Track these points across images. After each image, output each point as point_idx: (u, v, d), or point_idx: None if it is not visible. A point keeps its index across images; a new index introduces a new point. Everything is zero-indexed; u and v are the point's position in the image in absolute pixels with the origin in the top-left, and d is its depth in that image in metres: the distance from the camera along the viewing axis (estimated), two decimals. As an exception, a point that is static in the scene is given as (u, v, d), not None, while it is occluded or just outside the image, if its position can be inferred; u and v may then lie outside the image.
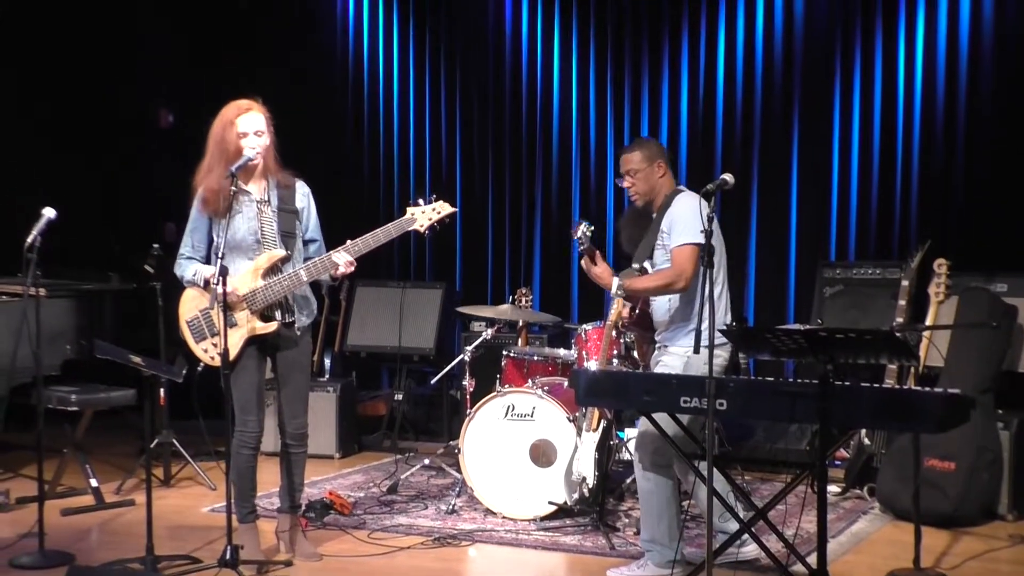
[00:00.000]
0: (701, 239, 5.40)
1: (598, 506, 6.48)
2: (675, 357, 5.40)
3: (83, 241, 8.90)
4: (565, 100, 9.63)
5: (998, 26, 8.05)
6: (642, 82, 9.30)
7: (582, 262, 5.68)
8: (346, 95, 10.38)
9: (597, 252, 5.65)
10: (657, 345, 5.73)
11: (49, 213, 5.76)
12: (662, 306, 5.62)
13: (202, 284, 5.63)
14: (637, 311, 5.86)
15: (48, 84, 9.60)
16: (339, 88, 10.39)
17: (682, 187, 5.76)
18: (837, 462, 7.46)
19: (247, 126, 5.61)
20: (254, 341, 5.65)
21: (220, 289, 5.25)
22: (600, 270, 5.65)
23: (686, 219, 5.46)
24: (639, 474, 5.60)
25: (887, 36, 8.43)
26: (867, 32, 8.50)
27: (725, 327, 4.98)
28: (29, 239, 5.69)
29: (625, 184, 5.73)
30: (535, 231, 9.77)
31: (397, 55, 10.26)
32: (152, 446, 7.23)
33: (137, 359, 5.99)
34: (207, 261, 5.70)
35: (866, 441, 7.15)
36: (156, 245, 7.70)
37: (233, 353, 5.50)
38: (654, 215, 5.70)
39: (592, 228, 5.64)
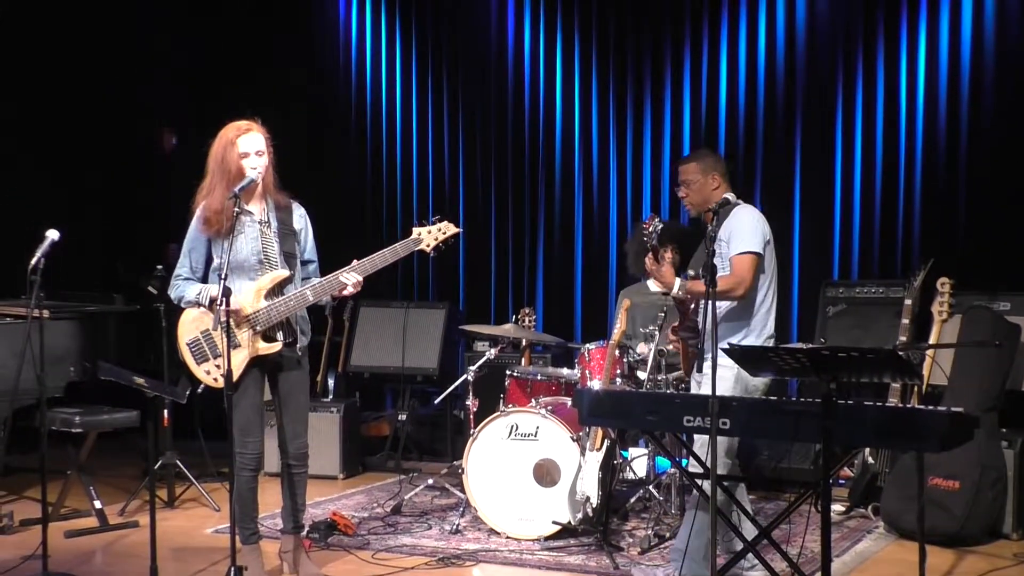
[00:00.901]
0: (760, 248, 5.47)
1: (602, 526, 6.47)
2: (725, 370, 5.29)
3: (87, 263, 8.92)
4: (567, 120, 9.65)
5: (1000, 44, 8.06)
6: (644, 103, 9.32)
7: (646, 259, 5.64)
8: (349, 116, 10.41)
9: (661, 251, 5.62)
10: (707, 357, 5.68)
11: (53, 235, 5.77)
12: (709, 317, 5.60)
13: (207, 304, 5.62)
14: (689, 317, 5.81)
15: (51, 107, 9.63)
16: (342, 108, 10.42)
17: (740, 200, 5.75)
18: (841, 481, 7.45)
19: (248, 146, 5.63)
20: (256, 362, 5.65)
21: (223, 309, 5.25)
22: (665, 269, 5.63)
23: (746, 229, 5.54)
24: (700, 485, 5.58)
25: (889, 54, 8.44)
26: (869, 50, 8.51)
27: (728, 346, 4.97)
28: (33, 261, 5.70)
29: (680, 194, 5.80)
30: (538, 250, 9.77)
31: (400, 76, 10.29)
32: (156, 467, 7.23)
33: (140, 380, 5.99)
34: (204, 282, 5.71)
35: (870, 460, 7.15)
36: (160, 267, 7.71)
37: (236, 374, 5.51)
38: (709, 227, 5.71)
39: (661, 225, 5.62)
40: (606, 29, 9.45)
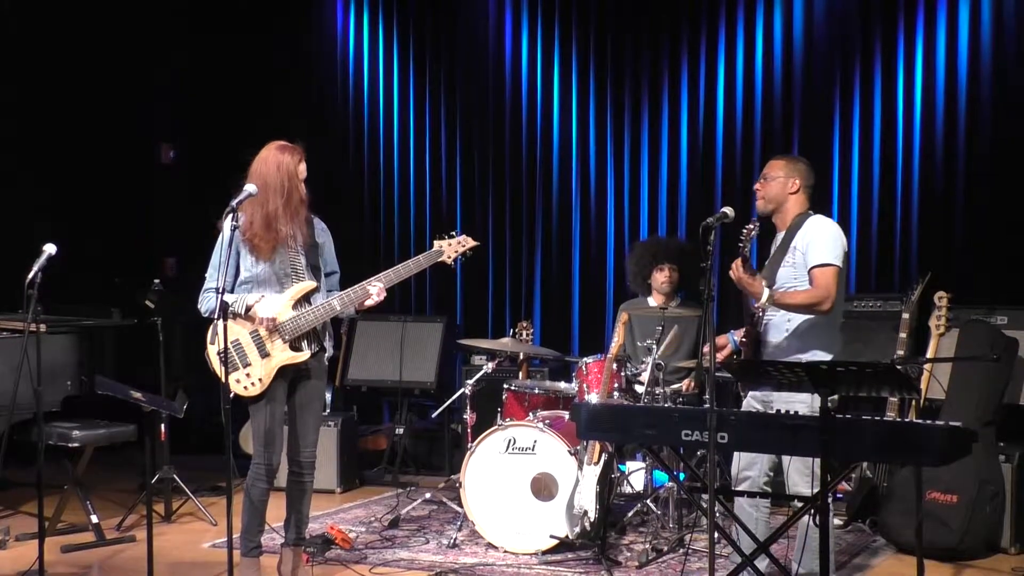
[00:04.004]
0: (841, 262, 5.44)
1: (600, 540, 6.46)
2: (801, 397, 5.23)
3: (84, 277, 8.90)
4: (565, 134, 9.67)
5: (996, 58, 8.08)
6: (642, 117, 9.35)
7: (735, 264, 5.45)
8: (347, 130, 10.43)
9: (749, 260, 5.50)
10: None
11: (50, 249, 5.76)
12: (779, 326, 5.58)
13: (243, 312, 5.66)
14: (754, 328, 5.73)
15: (51, 119, 9.62)
16: (339, 123, 10.44)
17: (811, 212, 5.72)
18: (839, 495, 7.43)
19: (304, 172, 5.78)
20: (283, 372, 5.72)
21: (223, 324, 5.25)
22: (753, 279, 5.45)
23: (827, 240, 5.50)
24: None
25: (886, 68, 8.47)
26: (866, 63, 8.54)
27: (735, 360, 4.96)
28: (30, 275, 5.69)
29: (756, 186, 5.75)
30: (535, 264, 9.78)
31: (398, 91, 10.31)
32: (153, 482, 7.21)
33: (138, 395, 5.98)
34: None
35: (868, 474, 7.14)
36: (157, 280, 7.71)
37: (267, 383, 5.65)
38: (779, 234, 5.69)
39: (757, 232, 5.44)
40: (604, 45, 9.48)
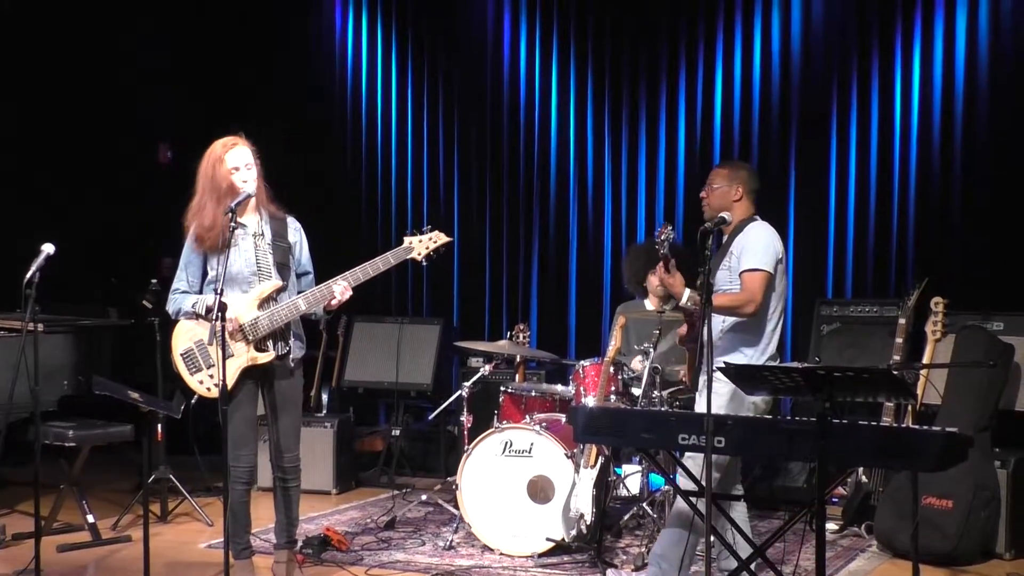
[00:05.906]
0: (770, 267, 5.47)
1: (596, 543, 6.47)
2: (724, 384, 5.23)
3: (82, 277, 8.90)
4: (562, 135, 9.67)
5: (994, 64, 8.09)
6: (639, 119, 9.35)
7: (657, 267, 5.61)
8: (344, 132, 10.42)
9: (672, 260, 5.58)
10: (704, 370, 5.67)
11: (48, 249, 5.76)
12: (715, 325, 5.57)
13: (204, 312, 5.62)
14: (695, 328, 5.78)
15: (47, 120, 9.62)
16: (337, 125, 10.43)
17: (757, 217, 5.76)
18: (835, 499, 7.45)
19: (236, 160, 5.67)
20: (249, 373, 5.66)
21: (219, 324, 5.25)
22: (674, 279, 5.56)
23: (759, 246, 5.53)
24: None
25: (884, 74, 8.48)
26: (864, 70, 8.55)
27: (724, 365, 4.97)
28: (28, 274, 5.69)
29: (702, 195, 5.81)
30: (532, 267, 9.79)
31: (395, 92, 10.30)
32: (149, 481, 7.21)
33: (135, 395, 5.99)
34: (200, 295, 5.73)
35: (863, 479, 7.15)
36: (154, 280, 7.70)
37: (230, 384, 5.52)
38: (724, 237, 5.72)
39: (673, 235, 5.57)
40: (602, 49, 9.48)
